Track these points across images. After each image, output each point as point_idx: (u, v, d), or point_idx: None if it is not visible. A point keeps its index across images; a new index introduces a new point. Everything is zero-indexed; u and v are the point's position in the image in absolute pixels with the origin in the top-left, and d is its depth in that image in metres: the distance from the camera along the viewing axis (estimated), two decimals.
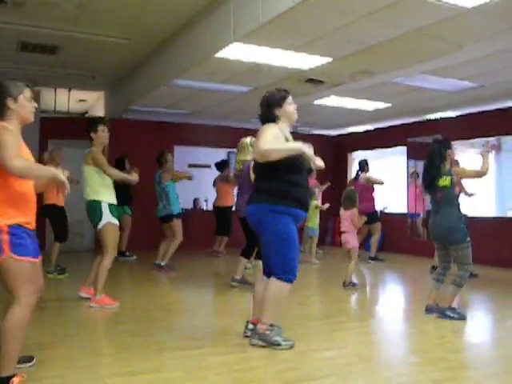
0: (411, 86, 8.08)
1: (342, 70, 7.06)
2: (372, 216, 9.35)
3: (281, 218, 3.94)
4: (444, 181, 5.19)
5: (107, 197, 5.51)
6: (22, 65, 8.87)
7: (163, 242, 8.21)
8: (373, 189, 9.96)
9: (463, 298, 5.91)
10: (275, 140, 3.90)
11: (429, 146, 5.49)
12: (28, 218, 3.11)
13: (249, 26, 5.49)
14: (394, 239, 11.16)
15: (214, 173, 10.80)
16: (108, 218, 5.45)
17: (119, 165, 8.77)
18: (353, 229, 6.92)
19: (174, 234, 8.03)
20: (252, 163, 6.21)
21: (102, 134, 5.51)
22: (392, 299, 6.92)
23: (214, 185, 10.49)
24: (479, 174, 5.26)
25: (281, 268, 3.95)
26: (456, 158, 5.55)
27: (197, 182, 10.82)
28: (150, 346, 4.06)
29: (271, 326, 4.01)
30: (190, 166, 12.39)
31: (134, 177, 5.82)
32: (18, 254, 2.99)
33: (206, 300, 6.48)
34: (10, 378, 2.96)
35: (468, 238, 5.08)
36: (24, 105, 3.21)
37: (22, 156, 3.03)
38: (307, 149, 3.92)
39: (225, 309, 5.90)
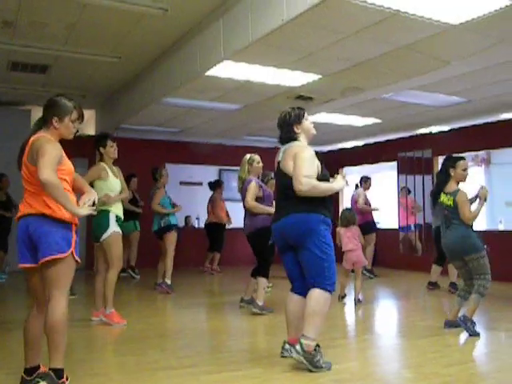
0: (400, 101, 8.15)
1: (331, 87, 7.11)
2: (367, 226, 9.38)
3: (326, 228, 3.97)
4: (448, 200, 5.23)
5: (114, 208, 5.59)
6: (13, 84, 8.88)
7: (160, 260, 8.13)
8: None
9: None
10: (312, 167, 3.96)
11: None
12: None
13: (239, 44, 5.54)
14: (385, 254, 11.17)
15: (206, 190, 10.78)
16: (113, 228, 5.51)
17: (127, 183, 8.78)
18: (360, 246, 6.99)
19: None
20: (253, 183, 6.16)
21: (111, 149, 5.71)
22: (385, 314, 6.91)
23: (208, 203, 10.49)
24: (467, 219, 5.13)
25: (327, 279, 3.91)
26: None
27: (188, 199, 10.78)
28: (142, 366, 4.03)
29: (317, 346, 3.87)
30: (182, 183, 12.39)
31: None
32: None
33: (199, 318, 6.43)
34: None
35: (483, 248, 5.10)
36: (68, 126, 3.38)
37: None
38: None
39: (218, 327, 5.86)
